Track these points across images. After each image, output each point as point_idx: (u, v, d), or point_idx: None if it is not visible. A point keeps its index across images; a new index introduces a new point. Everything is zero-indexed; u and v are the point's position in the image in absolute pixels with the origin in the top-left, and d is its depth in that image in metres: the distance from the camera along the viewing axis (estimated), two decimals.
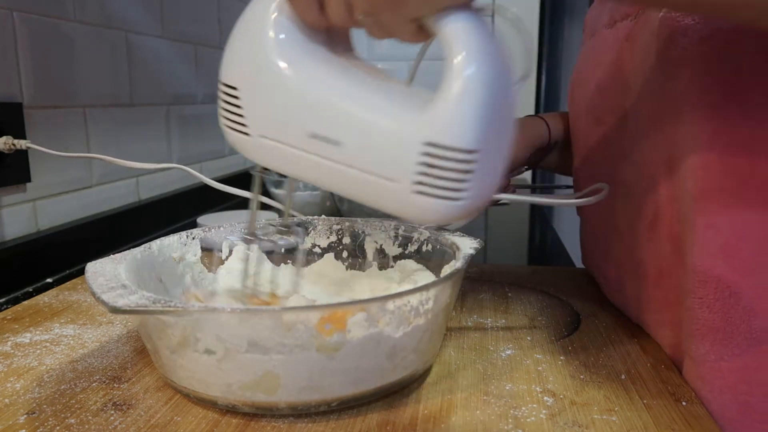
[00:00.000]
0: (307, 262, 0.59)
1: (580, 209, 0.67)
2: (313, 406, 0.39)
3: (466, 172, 0.34)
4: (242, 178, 1.35)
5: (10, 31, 0.72)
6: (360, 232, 0.59)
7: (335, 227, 0.59)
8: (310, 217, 0.59)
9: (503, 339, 0.52)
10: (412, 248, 0.58)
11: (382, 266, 0.59)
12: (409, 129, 0.35)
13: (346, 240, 0.59)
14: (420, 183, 0.35)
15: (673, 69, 0.43)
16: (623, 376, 0.45)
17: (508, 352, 0.49)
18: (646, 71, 0.47)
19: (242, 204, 1.29)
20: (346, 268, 0.59)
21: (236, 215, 0.94)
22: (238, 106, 0.40)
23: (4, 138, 0.70)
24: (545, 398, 0.42)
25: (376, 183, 0.36)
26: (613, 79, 0.53)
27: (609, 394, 0.43)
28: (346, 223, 0.59)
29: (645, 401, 0.42)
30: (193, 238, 0.54)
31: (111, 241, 0.89)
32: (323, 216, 0.61)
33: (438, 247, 0.55)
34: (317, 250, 0.59)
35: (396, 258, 0.58)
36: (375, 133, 0.36)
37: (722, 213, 0.40)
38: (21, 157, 0.74)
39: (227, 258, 0.56)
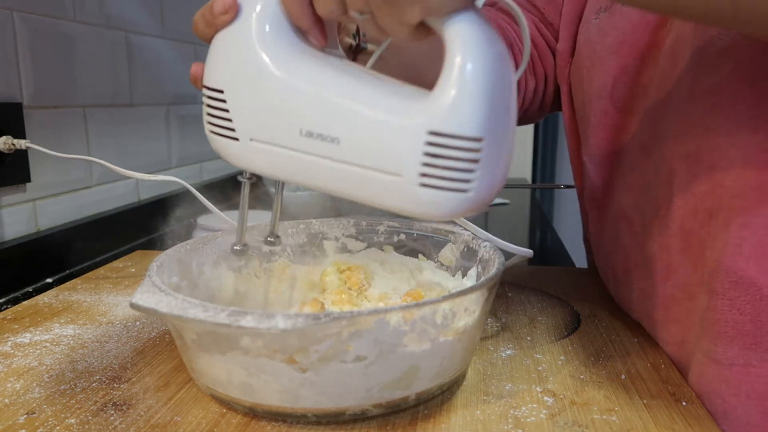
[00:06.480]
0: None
1: (585, 200, 0.66)
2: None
3: (473, 161, 0.34)
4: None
5: (10, 31, 0.72)
6: (317, 233, 0.58)
7: (290, 230, 0.58)
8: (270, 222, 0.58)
9: (503, 339, 0.52)
10: (378, 239, 0.58)
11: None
12: (410, 119, 0.34)
13: (303, 241, 0.58)
14: (425, 175, 0.34)
15: (713, 61, 0.41)
16: (623, 376, 0.45)
17: (508, 352, 0.49)
18: (680, 62, 0.45)
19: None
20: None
21: (236, 215, 0.93)
22: (224, 110, 0.38)
23: (4, 138, 0.70)
24: (545, 398, 0.42)
25: (379, 179, 0.35)
26: (644, 65, 0.50)
27: (609, 394, 0.43)
28: (301, 226, 0.58)
29: (645, 401, 0.42)
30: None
31: (111, 241, 0.89)
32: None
33: (415, 235, 0.55)
34: (276, 257, 0.57)
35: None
36: (374, 126, 0.35)
37: (758, 212, 0.39)
38: (21, 157, 0.74)
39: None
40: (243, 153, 0.39)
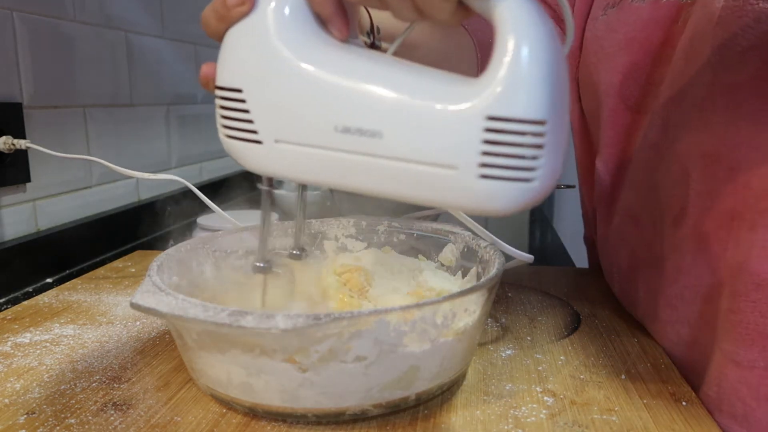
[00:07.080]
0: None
1: (594, 198, 0.64)
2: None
3: (537, 146, 0.30)
4: (242, 179, 1.35)
5: (10, 31, 0.72)
6: (317, 233, 0.58)
7: (290, 230, 0.57)
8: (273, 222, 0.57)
9: (503, 339, 0.52)
10: (378, 239, 0.57)
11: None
12: (464, 105, 0.31)
13: (303, 241, 0.56)
14: (486, 165, 0.31)
15: (737, 59, 0.40)
16: (623, 376, 0.45)
17: (508, 352, 0.49)
18: (698, 60, 0.44)
19: (243, 204, 1.29)
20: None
21: (237, 215, 0.93)
22: (244, 111, 0.35)
23: (4, 138, 0.70)
24: (545, 398, 0.42)
25: (431, 174, 0.32)
26: (656, 63, 0.50)
27: (609, 394, 0.43)
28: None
29: (645, 401, 0.42)
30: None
31: (111, 241, 0.89)
32: (275, 221, 0.58)
33: (415, 235, 0.56)
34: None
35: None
36: (423, 114, 0.32)
37: None
38: (21, 157, 0.74)
39: None
40: (267, 157, 0.35)
